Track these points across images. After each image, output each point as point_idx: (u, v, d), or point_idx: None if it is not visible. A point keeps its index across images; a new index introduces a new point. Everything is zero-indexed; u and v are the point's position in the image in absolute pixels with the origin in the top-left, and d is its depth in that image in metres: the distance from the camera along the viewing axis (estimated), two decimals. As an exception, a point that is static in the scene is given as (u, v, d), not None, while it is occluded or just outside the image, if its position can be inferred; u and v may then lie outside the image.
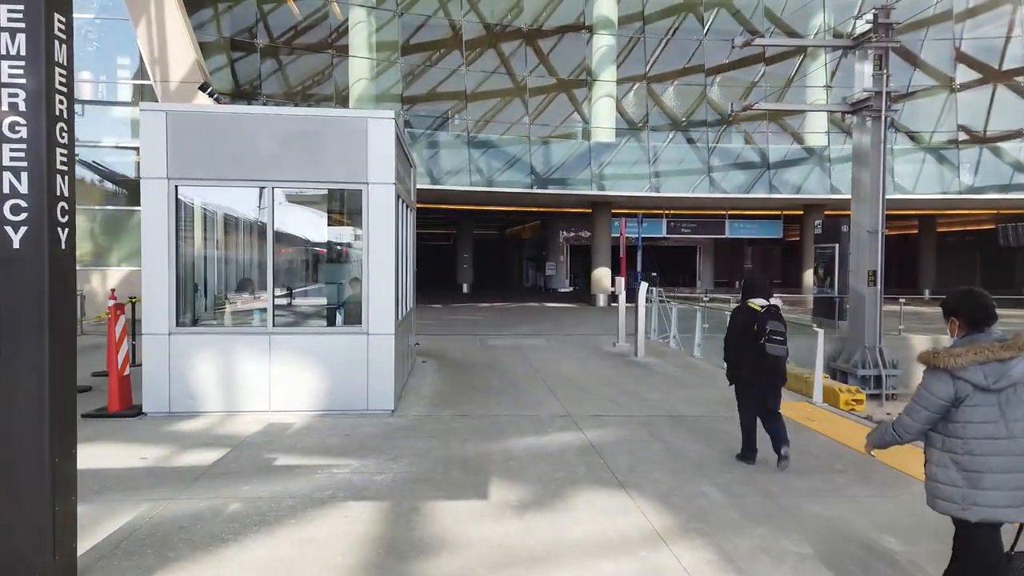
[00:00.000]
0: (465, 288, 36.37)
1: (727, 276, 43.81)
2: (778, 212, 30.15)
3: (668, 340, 15.67)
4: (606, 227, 27.99)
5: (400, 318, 9.14)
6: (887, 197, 16.18)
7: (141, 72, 19.80)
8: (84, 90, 20.32)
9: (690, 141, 26.17)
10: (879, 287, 15.93)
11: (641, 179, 25.52)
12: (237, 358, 7.95)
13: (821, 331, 10.27)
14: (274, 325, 8.03)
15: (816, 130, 26.50)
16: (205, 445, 6.68)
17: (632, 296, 14.76)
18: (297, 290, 9.00)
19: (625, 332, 14.85)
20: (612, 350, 14.22)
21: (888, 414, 14.58)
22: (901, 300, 20.06)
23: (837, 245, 18.98)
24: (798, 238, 38.03)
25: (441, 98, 25.37)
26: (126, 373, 8.03)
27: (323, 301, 9.15)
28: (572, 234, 38.73)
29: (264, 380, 7.98)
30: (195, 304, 8.54)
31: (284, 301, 8.69)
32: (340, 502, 5.17)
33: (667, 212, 29.09)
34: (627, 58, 26.30)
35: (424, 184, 23.53)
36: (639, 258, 13.36)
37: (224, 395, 7.96)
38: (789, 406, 8.80)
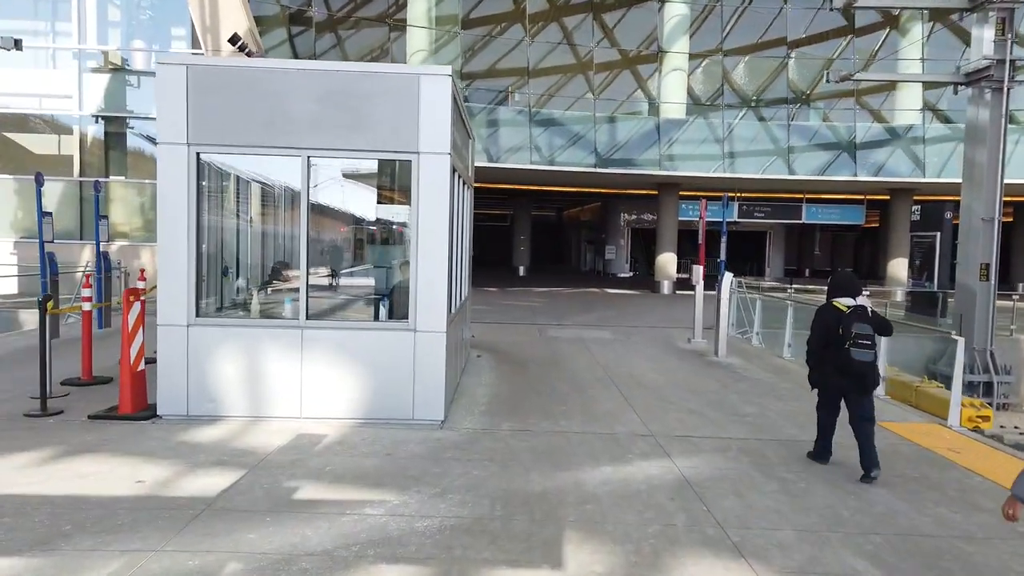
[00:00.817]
0: (521, 271, 35.06)
1: (796, 263, 41.47)
2: (860, 197, 27.85)
3: (749, 337, 14.05)
4: (673, 210, 26.23)
5: (453, 311, 7.86)
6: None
7: (193, 42, 18.93)
8: (137, 60, 19.58)
9: (766, 119, 24.14)
10: (992, 282, 13.98)
11: (712, 159, 23.69)
12: (265, 355, 6.79)
13: (961, 339, 8.60)
14: (307, 318, 6.84)
15: (907, 107, 24.13)
16: (218, 464, 5.53)
17: (710, 286, 13.20)
18: (336, 278, 7.79)
19: (702, 326, 13.31)
20: (687, 347, 12.70)
21: (1016, 428, 12.72)
22: (1015, 296, 17.89)
23: (939, 233, 16.93)
24: (877, 224, 35.54)
25: (502, 74, 23.96)
26: (140, 368, 6.96)
27: (365, 291, 7.93)
28: (634, 217, 36.97)
29: (295, 381, 6.81)
30: (220, 291, 7.41)
31: (322, 291, 7.50)
32: (369, 565, 3.92)
33: (739, 195, 27.13)
34: (700, 29, 24.39)
35: (482, 162, 22.24)
36: (723, 244, 11.69)
37: (249, 398, 6.82)
38: (920, 431, 7.25)
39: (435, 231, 6.85)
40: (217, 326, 6.83)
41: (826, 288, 6.01)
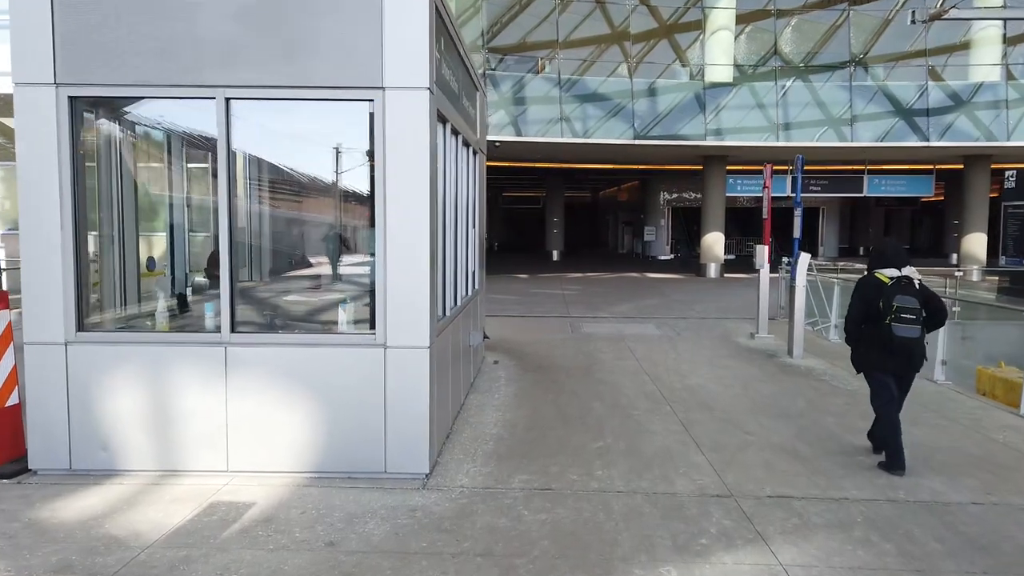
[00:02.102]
0: (555, 255, 32.81)
1: (849, 241, 38.40)
2: (929, 166, 24.91)
3: (822, 329, 11.66)
4: (719, 185, 23.70)
5: (447, 315, 5.73)
6: None
7: None
8: None
9: (822, 82, 21.42)
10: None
11: (764, 128, 21.10)
12: (176, 383, 4.75)
13: None
14: (233, 330, 4.77)
15: (982, 63, 21.17)
16: (58, 572, 3.50)
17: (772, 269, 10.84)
18: (276, 275, 5.72)
19: (767, 317, 10.97)
20: (751, 345, 10.39)
21: None
22: None
23: (1044, 203, 14.24)
24: (942, 197, 32.49)
25: (532, 47, 21.59)
26: (9, 404, 4.98)
27: (323, 292, 5.85)
28: (675, 195, 34.44)
29: (218, 421, 4.75)
30: (115, 295, 5.38)
31: (263, 294, 5.45)
32: None
33: (790, 168, 24.42)
34: (748, -17, 21.73)
35: (509, 136, 20.03)
36: (797, 220, 9.31)
37: (158, 445, 4.79)
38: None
39: (410, 205, 4.71)
40: (107, 343, 4.80)
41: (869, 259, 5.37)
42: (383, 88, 4.60)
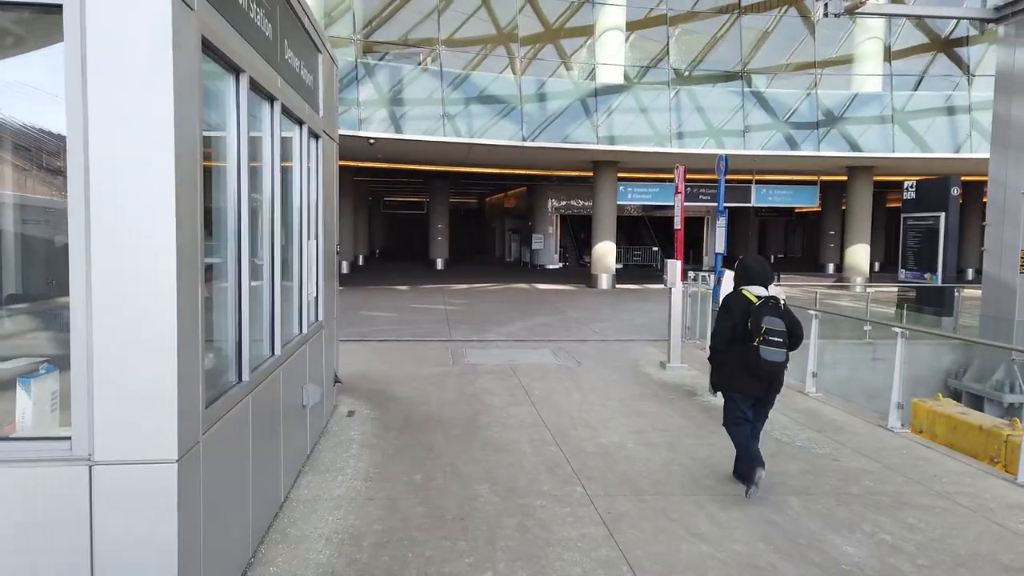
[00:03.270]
0: (439, 264, 30.67)
1: (730, 252, 38.48)
2: (814, 177, 24.75)
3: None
4: (611, 192, 22.42)
5: (246, 379, 3.56)
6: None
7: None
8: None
9: (713, 89, 20.58)
10: (1039, 276, 10.62)
11: (655, 134, 19.96)
12: None
13: None
14: None
15: (870, 73, 21.02)
16: None
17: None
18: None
19: (679, 342, 9.37)
20: (665, 377, 8.72)
21: None
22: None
23: (943, 214, 13.59)
24: (819, 208, 32.96)
25: (412, 41, 19.41)
26: None
27: None
28: (563, 203, 33.17)
29: None
30: None
31: None
32: None
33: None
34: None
35: (388, 133, 17.81)
36: (721, 233, 7.68)
37: None
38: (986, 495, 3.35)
39: (138, 194, 2.53)
40: None
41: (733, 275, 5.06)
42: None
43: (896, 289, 15.43)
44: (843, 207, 33.29)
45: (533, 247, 32.47)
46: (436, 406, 7.13)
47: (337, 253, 6.88)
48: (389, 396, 7.50)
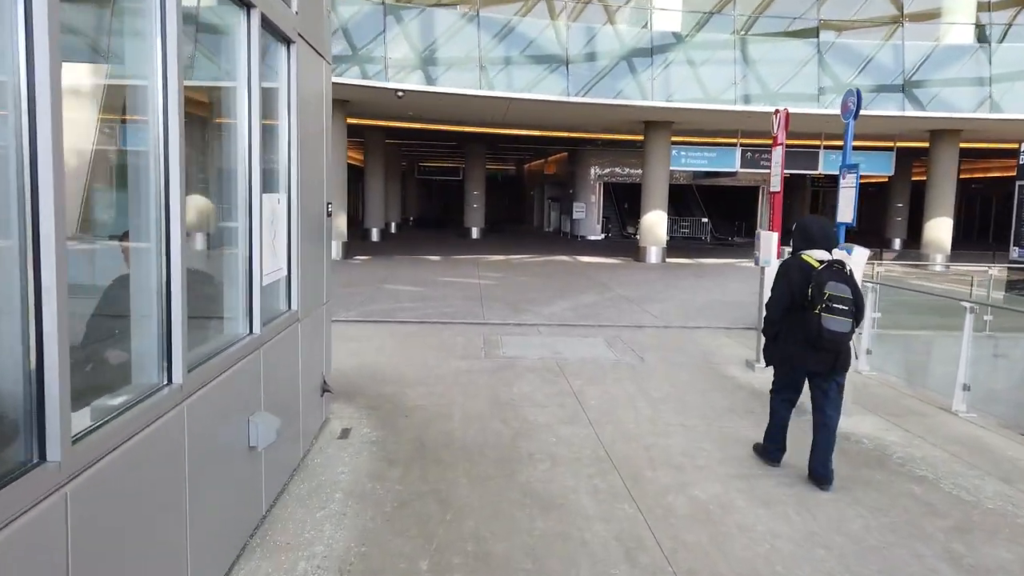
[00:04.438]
0: (474, 233, 28.80)
1: (784, 224, 35.76)
2: (888, 144, 22.09)
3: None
4: (663, 156, 20.17)
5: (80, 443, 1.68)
6: None
7: None
8: None
9: (786, 41, 18.10)
10: None
11: (719, 91, 17.63)
12: None
13: None
14: None
15: (960, 21, 18.30)
16: None
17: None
18: None
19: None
20: (756, 382, 6.69)
21: None
22: None
23: (1076, 182, 11.20)
24: (885, 178, 30.21)
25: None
26: None
27: None
28: (607, 170, 30.92)
29: None
30: None
31: None
32: None
33: (740, 140, 21.14)
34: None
35: (417, 85, 15.86)
36: (846, 196, 5.56)
37: None
38: None
39: None
40: None
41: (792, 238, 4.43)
42: None
43: (987, 269, 13.05)
44: (912, 177, 30.49)
45: (574, 217, 30.35)
46: (460, 422, 5.28)
47: (329, 215, 5.02)
48: (400, 405, 5.68)
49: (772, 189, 7.25)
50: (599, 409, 5.70)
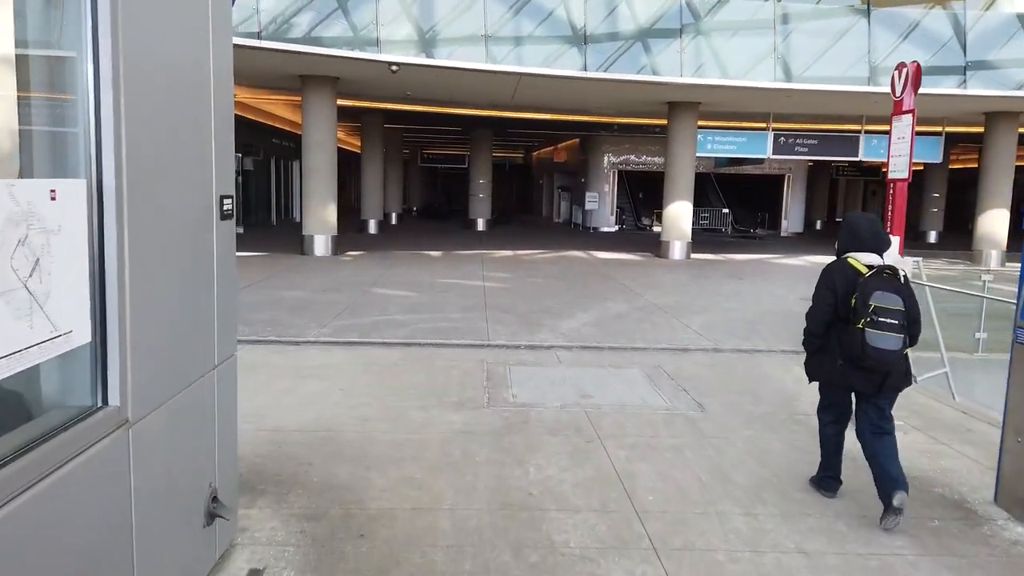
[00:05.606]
0: (480, 224, 26.72)
1: (806, 217, 33.45)
2: (936, 128, 19.80)
3: (936, 381, 6.07)
4: (689, 141, 17.99)
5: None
6: None
7: None
8: None
9: (834, 6, 15.85)
10: None
11: (756, 66, 15.44)
12: None
13: None
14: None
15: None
16: None
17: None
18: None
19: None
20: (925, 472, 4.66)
21: None
22: None
23: None
24: (922, 166, 27.91)
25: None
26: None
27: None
28: (621, 158, 28.75)
29: None
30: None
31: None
32: None
33: (771, 126, 18.88)
34: None
35: (415, 58, 13.77)
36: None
37: None
38: None
39: None
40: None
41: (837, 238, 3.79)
42: None
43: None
44: (949, 164, 28.14)
45: (586, 207, 28.21)
46: (447, 553, 3.23)
47: (227, 213, 2.95)
48: (355, 510, 3.63)
49: (894, 175, 5.14)
50: (662, 514, 3.65)
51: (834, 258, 3.82)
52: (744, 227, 29.18)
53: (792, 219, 29.41)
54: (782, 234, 28.70)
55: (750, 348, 7.70)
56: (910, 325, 3.54)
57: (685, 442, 4.74)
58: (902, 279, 3.56)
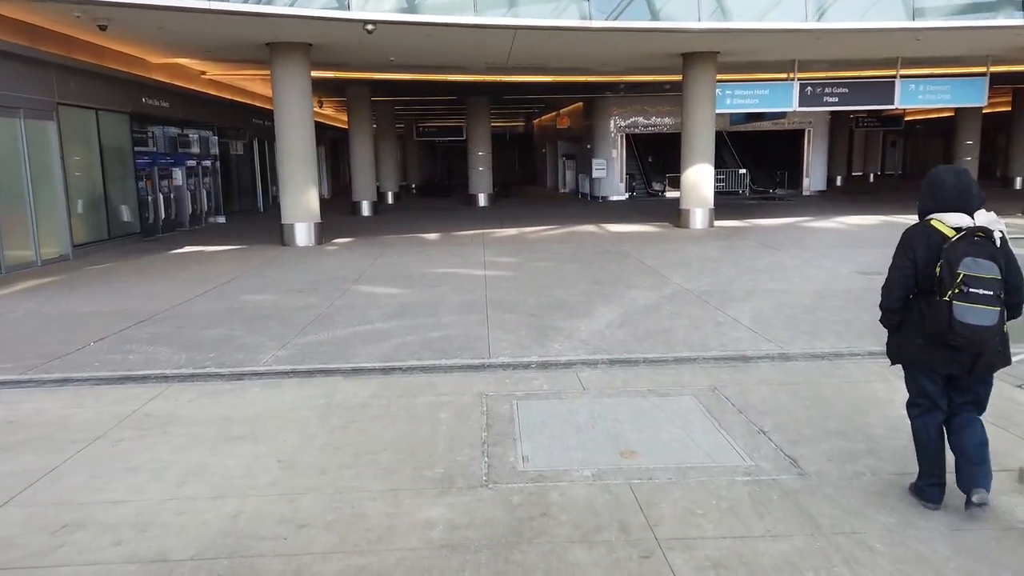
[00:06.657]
0: (482, 199, 24.87)
1: (827, 173, 31.26)
2: (980, 69, 17.68)
3: None
4: (707, 96, 16.02)
5: None
6: None
7: None
8: None
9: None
10: None
11: (776, 4, 13.42)
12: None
13: None
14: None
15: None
16: None
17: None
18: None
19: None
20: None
21: None
22: None
23: None
24: (952, 113, 25.81)
25: None
26: None
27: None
28: (629, 120, 26.68)
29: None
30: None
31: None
32: None
33: (794, 75, 16.83)
34: None
35: (392, 14, 11.83)
36: None
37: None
38: None
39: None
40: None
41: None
42: None
43: None
44: (983, 110, 25.92)
45: (593, 175, 26.23)
46: None
47: None
48: None
49: None
50: None
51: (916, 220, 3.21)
52: (762, 187, 27.17)
53: (814, 177, 27.30)
54: (804, 193, 26.68)
55: (826, 351, 5.93)
56: (1008, 295, 3.02)
57: (795, 547, 3.00)
58: (997, 242, 3.00)
